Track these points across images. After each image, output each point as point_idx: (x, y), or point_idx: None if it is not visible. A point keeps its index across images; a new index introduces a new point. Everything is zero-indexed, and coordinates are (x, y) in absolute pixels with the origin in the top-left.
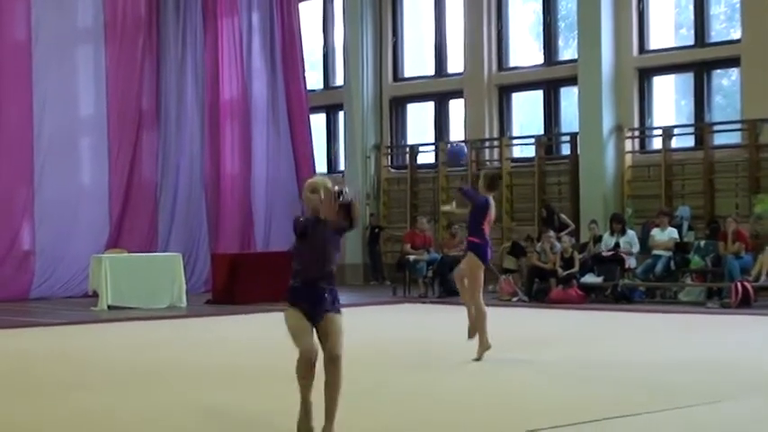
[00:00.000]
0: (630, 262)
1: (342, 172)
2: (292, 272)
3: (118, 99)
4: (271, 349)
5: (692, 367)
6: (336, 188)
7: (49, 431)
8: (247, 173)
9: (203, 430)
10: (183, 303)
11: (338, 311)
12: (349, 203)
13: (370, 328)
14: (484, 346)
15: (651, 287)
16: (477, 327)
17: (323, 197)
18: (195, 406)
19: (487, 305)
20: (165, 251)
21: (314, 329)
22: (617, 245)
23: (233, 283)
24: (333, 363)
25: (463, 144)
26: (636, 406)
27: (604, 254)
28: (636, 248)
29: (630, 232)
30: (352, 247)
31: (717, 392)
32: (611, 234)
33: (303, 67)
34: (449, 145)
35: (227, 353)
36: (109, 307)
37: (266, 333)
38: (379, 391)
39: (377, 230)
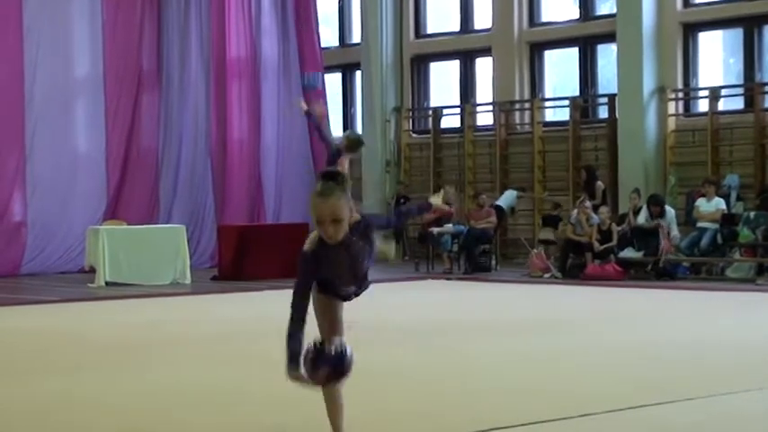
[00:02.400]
0: (673, 236)
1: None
2: None
3: (116, 57)
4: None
5: (740, 350)
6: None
7: (29, 418)
8: (257, 138)
9: (195, 415)
10: (187, 279)
11: None
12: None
13: (391, 306)
14: None
15: (696, 262)
16: None
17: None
18: (194, 391)
19: (517, 282)
20: (167, 223)
21: None
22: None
23: (241, 258)
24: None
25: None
26: (679, 391)
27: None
28: (675, 231)
29: (670, 212)
30: None
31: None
32: (651, 218)
33: (317, 22)
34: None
35: (233, 333)
36: (107, 283)
37: (277, 311)
38: (408, 374)
39: (403, 201)
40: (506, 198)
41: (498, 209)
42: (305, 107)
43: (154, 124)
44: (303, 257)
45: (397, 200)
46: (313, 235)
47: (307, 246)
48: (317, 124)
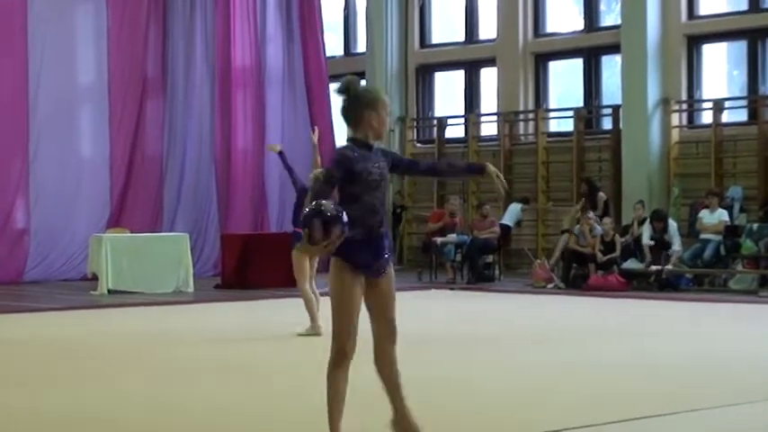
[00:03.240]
0: (675, 248)
1: None
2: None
3: (120, 64)
4: (285, 339)
5: (744, 362)
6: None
7: (22, 428)
8: (261, 147)
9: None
10: (190, 288)
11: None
12: None
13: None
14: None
15: (699, 274)
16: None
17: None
18: (194, 403)
19: (520, 292)
20: (170, 231)
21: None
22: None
23: (244, 267)
24: (390, 327)
25: None
26: (676, 404)
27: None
28: (677, 246)
29: (673, 226)
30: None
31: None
32: (654, 232)
33: (322, 31)
34: None
35: (236, 342)
36: (109, 291)
37: (280, 320)
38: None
39: (399, 210)
40: (511, 214)
41: (505, 228)
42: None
43: (158, 132)
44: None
45: (393, 209)
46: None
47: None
48: (287, 165)
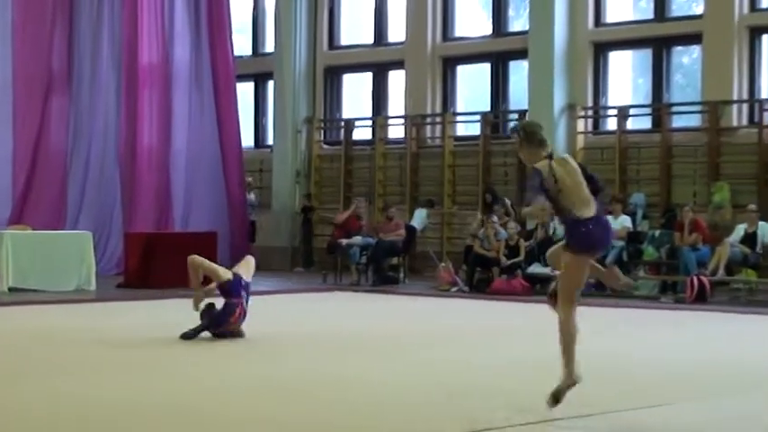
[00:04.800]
0: None
1: (270, 147)
2: (574, 218)
3: (25, 60)
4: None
5: (637, 367)
6: None
7: None
8: (166, 145)
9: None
10: (92, 286)
11: None
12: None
13: (295, 317)
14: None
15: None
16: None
17: None
18: (84, 401)
19: (424, 295)
20: (73, 229)
21: None
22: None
23: (147, 266)
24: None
25: None
26: (575, 407)
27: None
28: None
29: None
30: (278, 230)
31: (660, 397)
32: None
33: (230, 30)
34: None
35: (134, 341)
36: (9, 289)
37: (181, 320)
38: (312, 380)
39: (307, 212)
40: (417, 219)
41: (410, 228)
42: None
43: (63, 129)
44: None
45: (304, 211)
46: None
47: None
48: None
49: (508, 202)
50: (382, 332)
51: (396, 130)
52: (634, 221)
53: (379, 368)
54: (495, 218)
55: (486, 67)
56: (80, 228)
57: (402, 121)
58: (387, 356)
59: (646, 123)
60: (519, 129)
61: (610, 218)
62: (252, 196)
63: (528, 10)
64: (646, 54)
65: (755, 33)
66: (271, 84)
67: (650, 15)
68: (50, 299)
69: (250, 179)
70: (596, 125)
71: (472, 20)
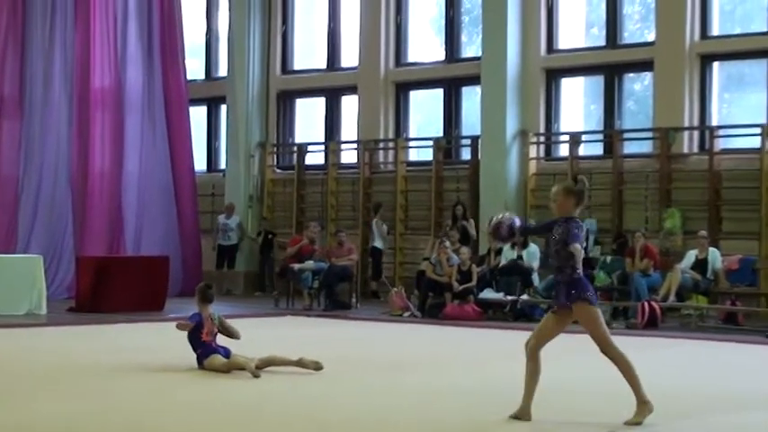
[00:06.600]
0: (534, 278)
1: (222, 171)
2: (581, 272)
3: None
4: (132, 362)
5: (585, 393)
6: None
7: None
8: (118, 169)
9: None
10: (43, 311)
11: None
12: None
13: (244, 342)
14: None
15: (553, 305)
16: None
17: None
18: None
19: (376, 320)
20: (25, 252)
21: None
22: (519, 257)
23: (99, 290)
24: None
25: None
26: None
27: (503, 264)
28: (537, 264)
29: (533, 246)
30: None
31: (608, 423)
32: (512, 247)
33: (183, 54)
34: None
35: (82, 367)
36: None
37: (130, 344)
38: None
39: (270, 237)
40: (376, 234)
41: (376, 250)
42: None
43: (14, 152)
44: None
45: (264, 235)
46: None
47: None
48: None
49: (472, 222)
50: (333, 357)
51: (348, 155)
52: (586, 247)
53: (327, 392)
54: (447, 243)
55: (438, 93)
56: (31, 251)
57: (355, 146)
58: (335, 381)
59: (597, 149)
60: (582, 185)
61: None
62: (236, 219)
63: (481, 36)
64: (598, 81)
65: (706, 61)
66: (224, 108)
67: (602, 42)
68: (0, 323)
69: (232, 203)
70: (548, 151)
71: (425, 45)
